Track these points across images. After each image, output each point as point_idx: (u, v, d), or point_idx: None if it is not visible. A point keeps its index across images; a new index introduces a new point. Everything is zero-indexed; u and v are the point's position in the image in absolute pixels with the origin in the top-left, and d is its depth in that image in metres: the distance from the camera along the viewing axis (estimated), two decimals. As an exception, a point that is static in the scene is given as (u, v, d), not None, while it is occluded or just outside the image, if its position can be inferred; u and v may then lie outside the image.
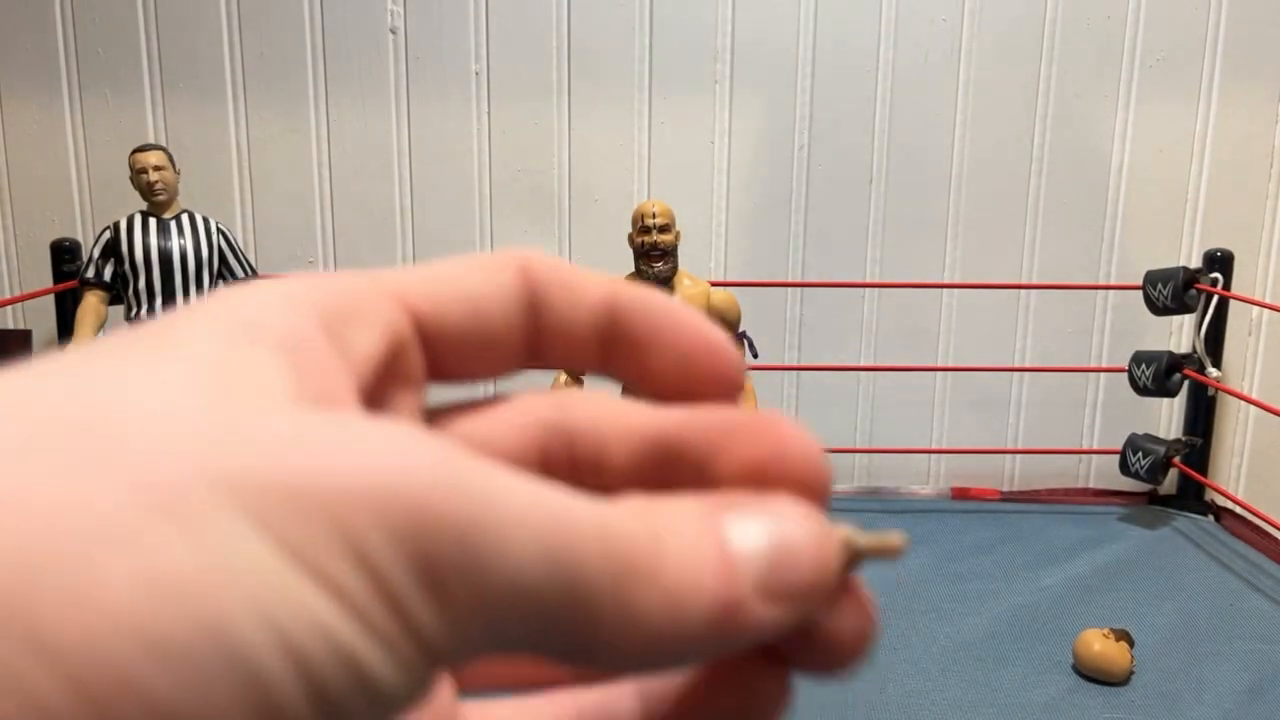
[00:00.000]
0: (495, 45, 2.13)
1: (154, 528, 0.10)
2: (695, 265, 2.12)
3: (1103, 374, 2.26)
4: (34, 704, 0.10)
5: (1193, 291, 1.99)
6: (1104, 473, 2.30)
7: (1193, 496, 2.17)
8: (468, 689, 0.18)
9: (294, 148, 2.17)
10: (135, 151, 1.78)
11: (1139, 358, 2.11)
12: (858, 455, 2.31)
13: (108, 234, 1.78)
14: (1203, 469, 2.14)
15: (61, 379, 0.12)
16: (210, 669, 0.10)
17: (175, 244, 1.78)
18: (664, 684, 0.18)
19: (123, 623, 0.10)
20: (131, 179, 1.78)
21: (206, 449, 0.11)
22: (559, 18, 2.12)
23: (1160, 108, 2.15)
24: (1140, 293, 2.09)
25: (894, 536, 0.16)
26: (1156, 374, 2.06)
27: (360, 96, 2.15)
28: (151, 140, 2.11)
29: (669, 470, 0.17)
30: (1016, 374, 2.27)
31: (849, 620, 0.17)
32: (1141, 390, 2.10)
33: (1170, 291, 2.00)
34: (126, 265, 1.77)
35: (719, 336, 0.18)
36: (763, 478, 0.17)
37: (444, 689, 0.18)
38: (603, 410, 0.18)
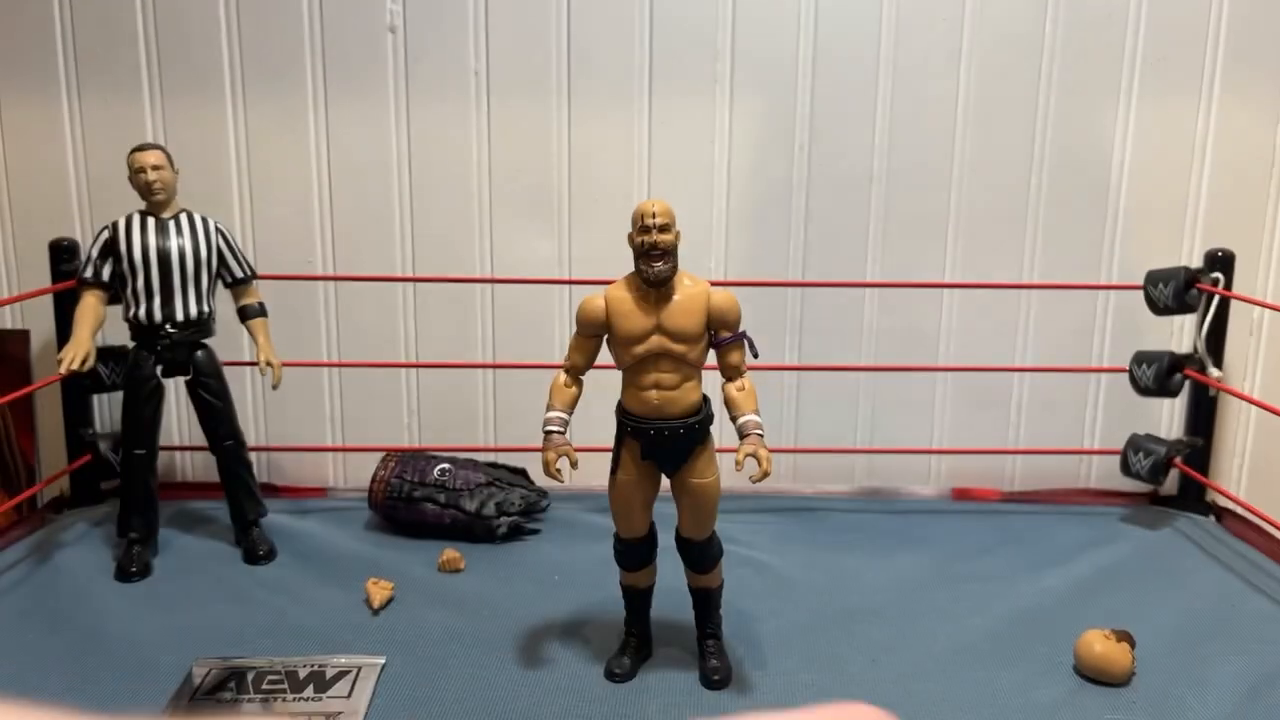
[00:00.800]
0: (495, 45, 2.13)
1: None
2: (695, 265, 2.11)
3: (1104, 374, 2.26)
4: None
5: (1194, 291, 1.99)
6: (1105, 473, 2.29)
7: (1194, 497, 2.17)
8: None
9: (293, 148, 2.16)
10: (134, 151, 1.77)
11: (1140, 358, 2.10)
12: (858, 455, 2.31)
13: (106, 233, 1.78)
14: (1204, 469, 2.13)
15: None
16: None
17: (174, 244, 1.78)
18: None
19: None
20: (130, 179, 1.78)
21: None
22: (559, 18, 2.12)
23: (1161, 107, 2.15)
24: (1141, 293, 2.08)
25: None
26: (1157, 374, 2.05)
27: (360, 96, 2.15)
28: (150, 139, 2.11)
29: None
30: (1017, 374, 2.26)
31: None
32: (1142, 390, 2.10)
33: (1171, 291, 2.00)
34: (125, 265, 1.76)
35: None
36: None
37: None
38: None
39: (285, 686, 1.39)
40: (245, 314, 1.89)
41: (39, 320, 2.17)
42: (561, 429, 1.38)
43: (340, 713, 1.33)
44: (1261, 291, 2.20)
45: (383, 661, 1.46)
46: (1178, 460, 2.09)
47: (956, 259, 2.22)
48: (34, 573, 1.77)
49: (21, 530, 1.96)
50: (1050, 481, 2.31)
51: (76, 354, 1.69)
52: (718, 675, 1.43)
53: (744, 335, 1.38)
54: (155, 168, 1.76)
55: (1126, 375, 2.13)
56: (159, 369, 1.80)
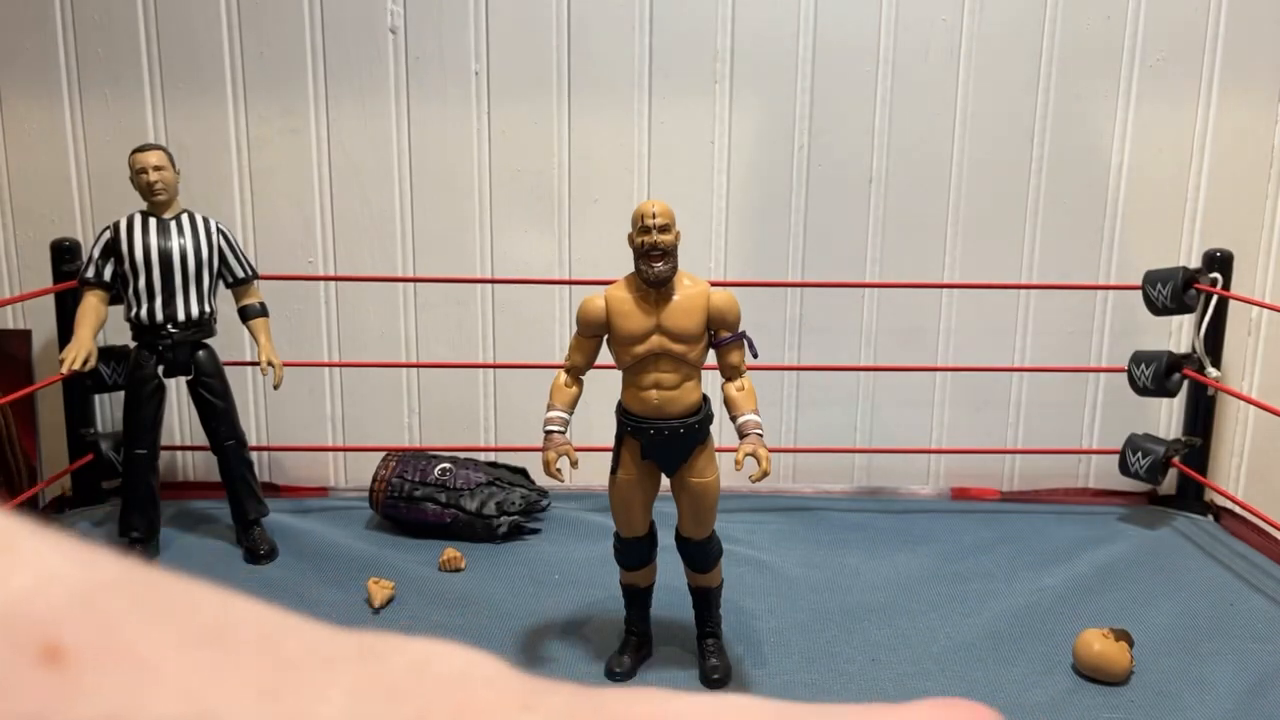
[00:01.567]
0: (495, 45, 2.13)
1: None
2: (695, 265, 2.12)
3: (1103, 374, 2.26)
4: None
5: (1192, 291, 1.99)
6: (1104, 473, 2.30)
7: (1192, 496, 2.17)
8: None
9: (294, 148, 2.17)
10: (135, 151, 1.78)
11: (1139, 358, 2.11)
12: (857, 455, 2.31)
13: (107, 234, 1.78)
14: (1202, 469, 2.14)
15: None
16: None
17: (175, 244, 1.78)
18: None
19: None
20: (131, 179, 1.78)
21: None
22: (559, 18, 2.12)
23: (1160, 108, 2.15)
24: (1140, 293, 2.09)
25: None
26: (1156, 374, 2.06)
27: (360, 96, 2.15)
28: (151, 140, 2.11)
29: None
30: (1016, 374, 2.27)
31: None
32: (1141, 390, 2.10)
33: (1170, 291, 2.00)
34: (126, 265, 1.77)
35: None
36: None
37: None
38: None
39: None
40: (246, 314, 1.89)
41: (41, 320, 2.18)
42: (562, 429, 1.38)
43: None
44: (1260, 292, 2.20)
45: (384, 660, 1.46)
46: (1176, 460, 2.10)
47: (955, 259, 2.22)
48: (36, 572, 1.77)
49: (23, 529, 1.95)
50: (1049, 481, 2.32)
51: (78, 354, 1.69)
52: (717, 674, 1.43)
53: (744, 335, 1.39)
54: (157, 168, 1.76)
55: (1125, 375, 2.13)
56: (160, 369, 1.80)
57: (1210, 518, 2.13)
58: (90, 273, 1.78)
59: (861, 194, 2.19)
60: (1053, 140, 2.17)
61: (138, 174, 1.76)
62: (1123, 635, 1.48)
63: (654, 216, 1.32)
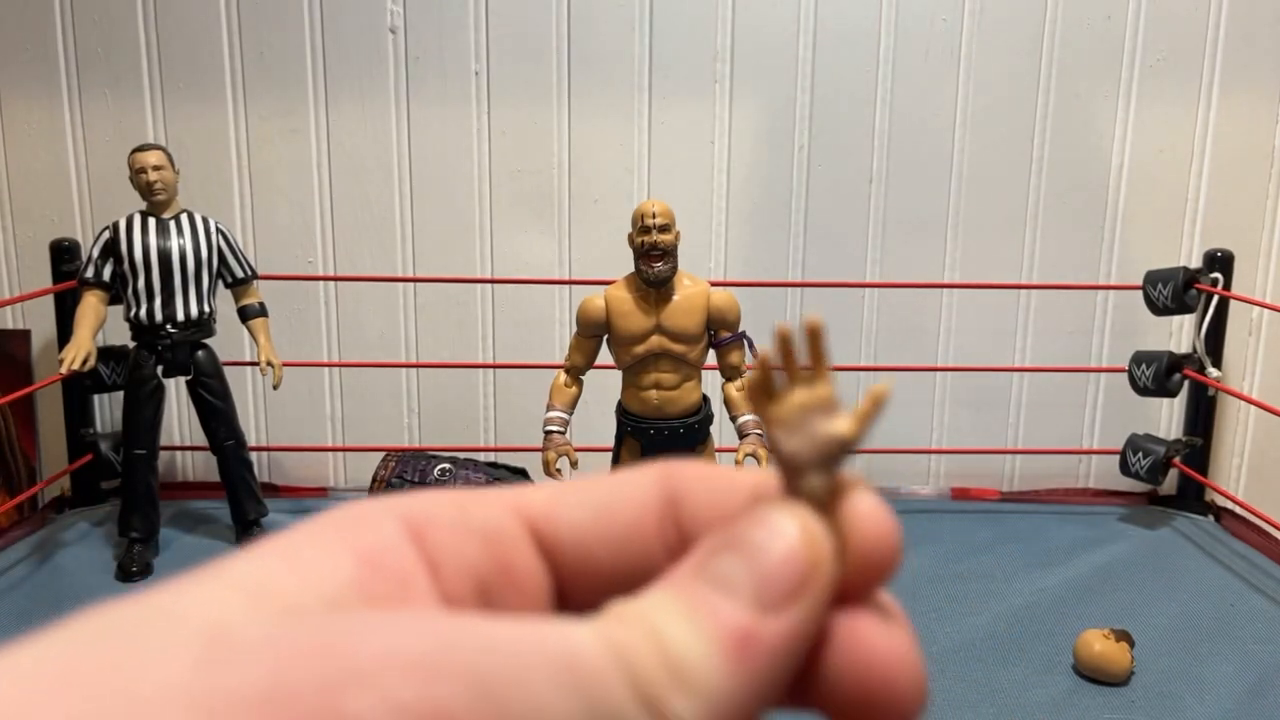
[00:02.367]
0: (495, 45, 2.13)
1: None
2: (695, 265, 2.12)
3: (1103, 374, 2.26)
4: None
5: (1193, 292, 1.99)
6: (1104, 473, 2.30)
7: (1193, 497, 2.17)
8: None
9: (294, 148, 2.17)
10: (134, 151, 1.78)
11: (1139, 358, 2.11)
12: (857, 455, 2.31)
13: (107, 234, 1.78)
14: (1203, 469, 2.14)
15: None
16: None
17: (174, 244, 1.78)
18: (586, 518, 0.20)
19: None
20: (131, 179, 1.78)
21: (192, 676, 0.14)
22: (559, 18, 2.12)
23: (1160, 108, 2.15)
24: (1140, 293, 2.09)
25: (876, 393, 0.19)
26: (1156, 374, 2.05)
27: (360, 96, 2.15)
28: (151, 140, 2.11)
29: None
30: (1016, 374, 2.27)
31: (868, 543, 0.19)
32: (1141, 390, 2.10)
33: (1170, 292, 2.00)
34: (125, 265, 1.76)
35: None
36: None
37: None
38: (703, 474, 0.21)
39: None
40: (246, 314, 1.89)
41: (40, 320, 2.17)
42: (562, 429, 1.38)
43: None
44: (1260, 292, 2.20)
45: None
46: (1176, 460, 2.10)
47: (955, 259, 2.22)
48: (35, 573, 1.78)
49: (22, 530, 1.96)
50: (1049, 481, 2.32)
51: (77, 354, 1.69)
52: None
53: (744, 335, 1.39)
54: (156, 168, 1.76)
55: (1125, 375, 2.13)
56: (160, 369, 1.80)
57: (1211, 518, 2.13)
58: (89, 273, 1.78)
59: (862, 194, 2.19)
60: (1053, 140, 2.17)
61: (137, 174, 1.76)
62: (1123, 635, 1.48)
63: (654, 216, 1.32)
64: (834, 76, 2.15)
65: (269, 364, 1.83)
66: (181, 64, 2.13)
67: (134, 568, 1.77)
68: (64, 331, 2.00)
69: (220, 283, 1.86)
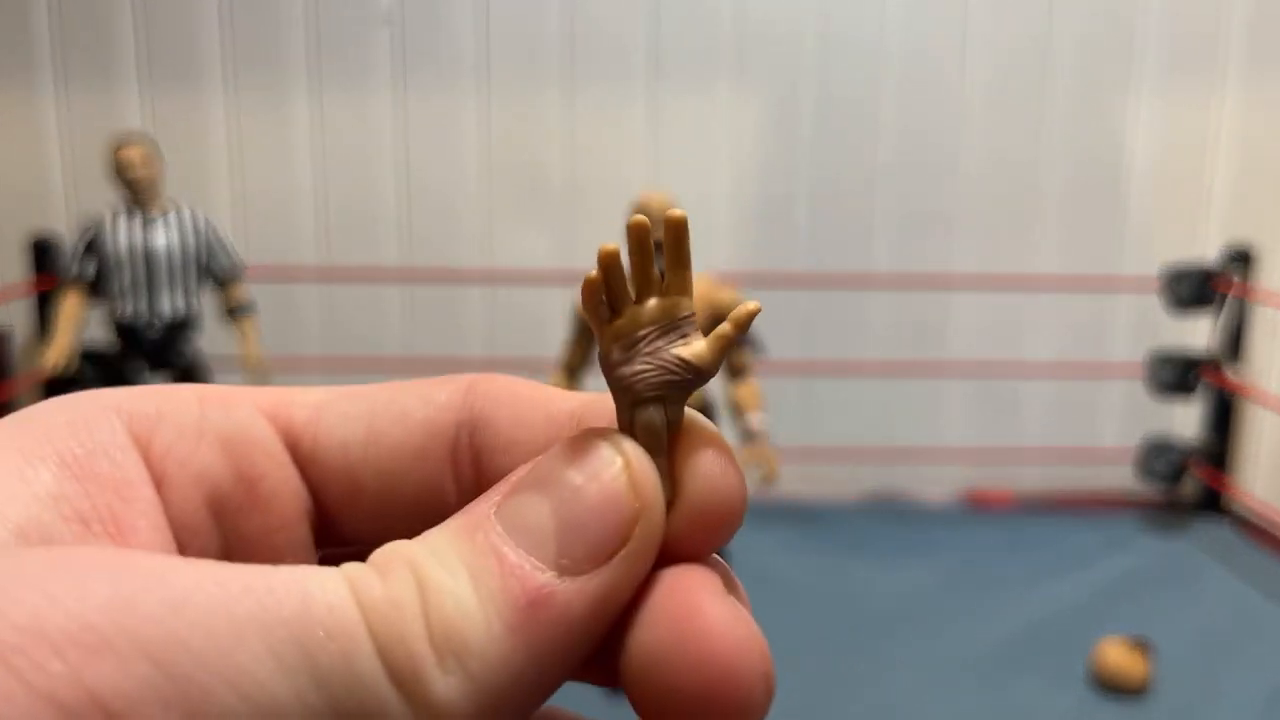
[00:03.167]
0: (495, 37, 2.09)
1: None
2: (698, 259, 2.07)
3: (1119, 374, 2.22)
4: None
5: (1211, 289, 1.95)
6: (1120, 476, 2.25)
7: (1211, 501, 2.13)
8: None
9: (285, 141, 2.13)
10: (118, 149, 1.74)
11: (1157, 357, 2.07)
12: (867, 459, 2.27)
13: (90, 230, 1.75)
14: (1222, 472, 2.09)
15: None
16: None
17: (160, 239, 1.74)
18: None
19: None
20: (114, 174, 1.74)
21: None
22: (560, 8, 2.08)
23: (1177, 101, 2.11)
24: (1158, 290, 2.05)
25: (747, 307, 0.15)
26: (1175, 374, 2.02)
27: (354, 89, 2.11)
28: (135, 131, 2.06)
29: None
30: (1031, 375, 2.23)
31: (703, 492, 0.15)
32: (1159, 390, 2.06)
33: (1188, 289, 1.96)
34: (110, 262, 1.73)
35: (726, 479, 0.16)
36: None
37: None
38: (516, 393, 0.17)
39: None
40: (232, 310, 1.85)
41: (20, 318, 2.12)
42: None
43: None
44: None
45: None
46: (1195, 463, 2.05)
47: (966, 255, 2.18)
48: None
49: (4, 534, 1.91)
50: (1064, 484, 2.27)
51: (60, 353, 1.67)
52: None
53: (749, 334, 1.34)
54: (139, 164, 1.72)
55: (1142, 375, 2.09)
56: (145, 366, 1.77)
57: (1230, 523, 2.08)
58: (73, 270, 1.75)
59: (869, 187, 2.15)
60: (1067, 134, 2.13)
61: (121, 170, 1.72)
62: (1141, 645, 1.44)
63: (655, 209, 1.29)
64: (841, 69, 2.10)
65: (254, 361, 1.80)
66: (168, 54, 2.09)
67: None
68: (45, 328, 1.95)
69: (208, 278, 1.82)
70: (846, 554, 1.91)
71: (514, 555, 0.14)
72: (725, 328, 0.15)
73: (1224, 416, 2.09)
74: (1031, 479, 2.28)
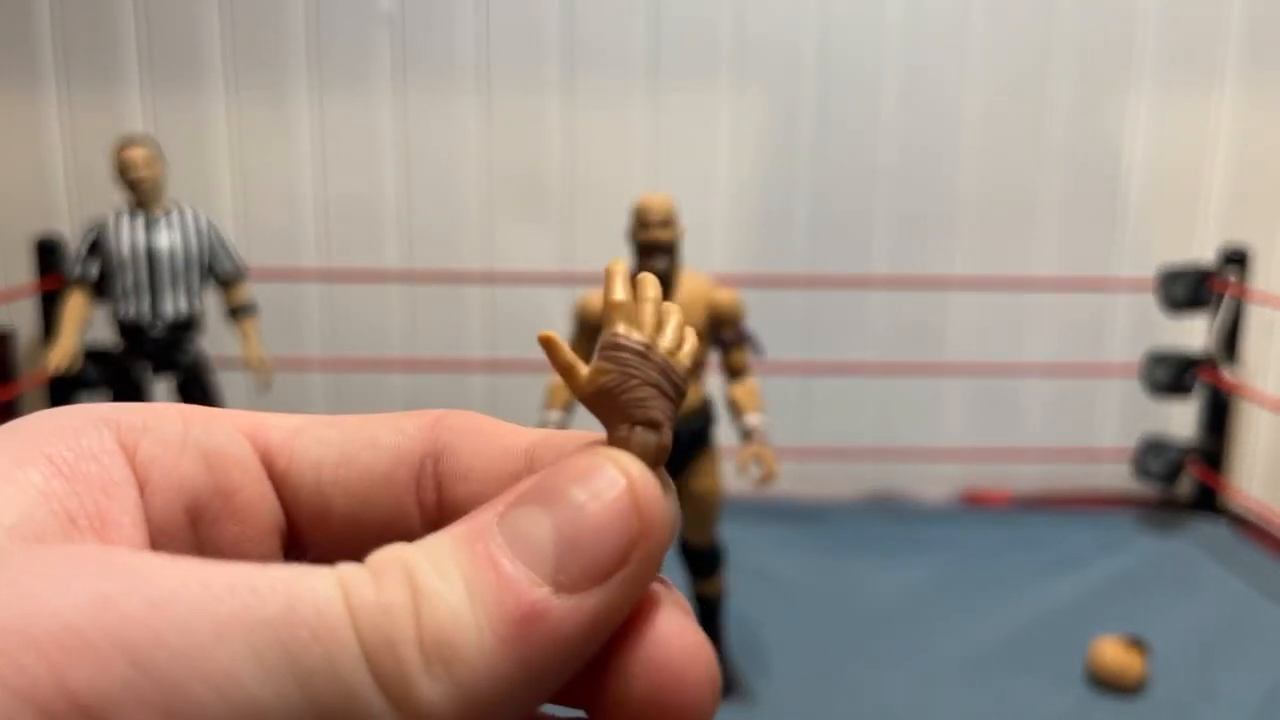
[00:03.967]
0: (494, 38, 2.10)
1: None
2: (698, 261, 2.07)
3: (1116, 374, 2.22)
4: None
5: (1208, 290, 1.96)
6: (1117, 475, 2.26)
7: (1208, 500, 2.13)
8: None
9: (285, 141, 2.13)
10: (121, 150, 1.74)
11: (1153, 357, 2.07)
12: (866, 458, 2.27)
13: (94, 231, 1.75)
14: (1218, 472, 2.10)
15: None
16: None
17: (163, 240, 1.74)
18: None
19: None
20: (117, 175, 1.74)
21: None
22: (560, 9, 2.09)
23: (1175, 101, 2.12)
24: (1154, 289, 2.05)
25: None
26: (1171, 374, 2.02)
27: (354, 90, 2.11)
28: (138, 132, 2.07)
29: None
30: (1028, 374, 2.23)
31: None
32: (1156, 390, 2.06)
33: (1185, 289, 1.97)
34: (114, 263, 1.73)
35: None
36: None
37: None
38: (478, 427, 0.18)
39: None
40: (235, 311, 1.86)
41: (24, 319, 2.13)
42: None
43: None
44: (1277, 289, 2.16)
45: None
46: (1192, 463, 2.06)
47: (965, 256, 2.19)
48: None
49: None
50: (1062, 483, 2.28)
51: (64, 354, 1.67)
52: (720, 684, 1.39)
53: (748, 334, 1.35)
54: (142, 165, 1.72)
55: (1139, 375, 2.10)
56: (148, 366, 1.77)
57: (1226, 522, 2.09)
58: (76, 271, 1.75)
59: (869, 189, 2.15)
60: (1065, 134, 2.14)
61: (123, 171, 1.73)
62: (1137, 643, 1.45)
63: (655, 212, 1.29)
64: (840, 70, 2.11)
65: (258, 363, 1.80)
66: (170, 56, 2.10)
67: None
68: (49, 330, 1.96)
69: (211, 279, 1.83)
70: (844, 552, 1.91)
71: (511, 568, 0.14)
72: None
73: (1220, 416, 2.10)
74: (1029, 478, 2.29)
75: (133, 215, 1.75)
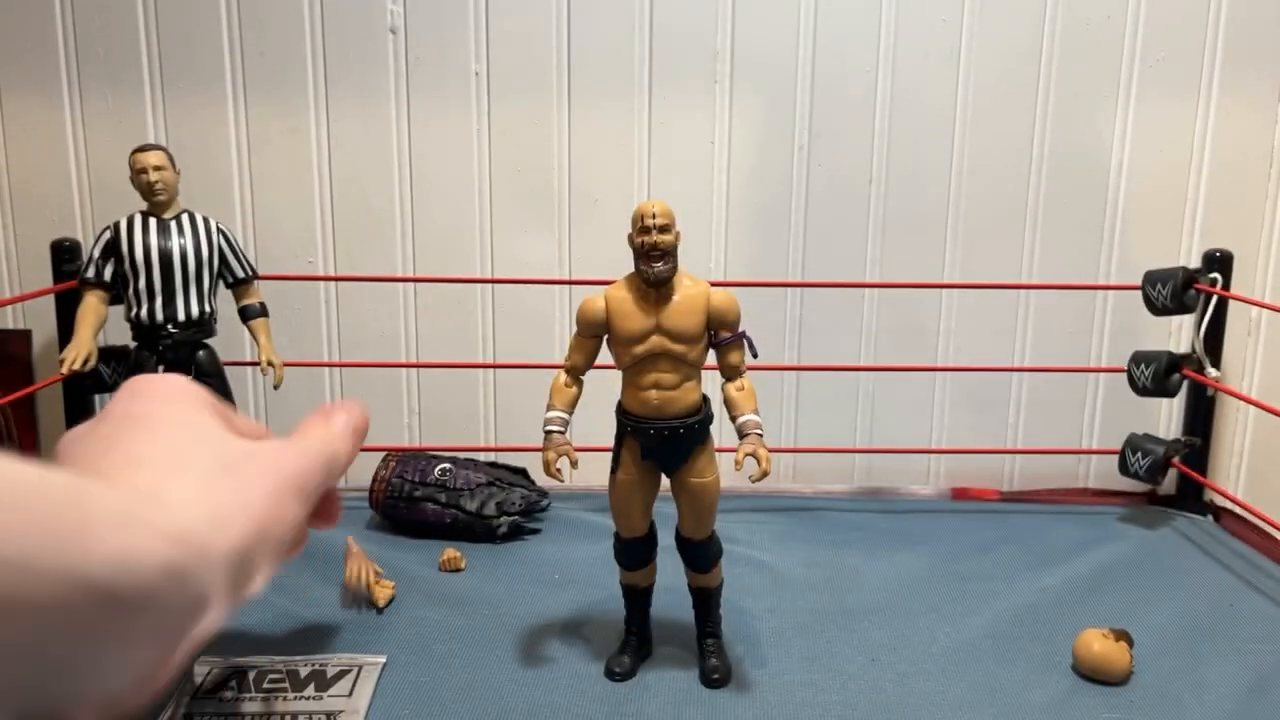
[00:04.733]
0: (495, 45, 2.13)
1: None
2: (695, 265, 2.12)
3: (1102, 374, 2.26)
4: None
5: (1192, 292, 1.99)
6: (1103, 473, 2.30)
7: (1192, 496, 2.17)
8: None
9: (294, 148, 2.17)
10: (135, 152, 1.78)
11: (1138, 358, 2.11)
12: (857, 455, 2.31)
13: (108, 234, 1.78)
14: (1202, 469, 2.14)
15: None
16: None
17: (175, 244, 1.78)
18: None
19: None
20: (131, 179, 1.78)
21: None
22: (559, 18, 2.13)
23: (1160, 108, 2.16)
24: (1139, 293, 2.09)
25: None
26: (1156, 374, 2.06)
27: (360, 96, 2.15)
28: (152, 140, 2.11)
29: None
30: (1016, 374, 2.27)
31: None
32: (1141, 390, 2.10)
33: (1169, 292, 2.00)
34: (126, 265, 1.77)
35: None
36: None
37: None
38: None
39: (286, 685, 1.39)
40: (246, 314, 1.89)
41: (41, 320, 2.18)
42: (562, 429, 1.38)
43: (341, 711, 1.33)
44: (1260, 292, 2.20)
45: (384, 660, 1.47)
46: (1176, 460, 2.10)
47: (955, 259, 2.22)
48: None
49: (23, 529, 1.95)
50: (1049, 481, 2.32)
51: (78, 354, 1.70)
52: (717, 674, 1.43)
53: (744, 335, 1.39)
54: (157, 168, 1.76)
55: (1125, 375, 2.13)
56: (161, 369, 1.80)
57: (1210, 518, 2.13)
58: (90, 273, 1.78)
59: (862, 194, 2.19)
60: (1053, 140, 2.17)
61: (138, 174, 1.76)
62: (1122, 635, 1.48)
63: (654, 216, 1.32)
64: (834, 76, 2.15)
65: (270, 364, 1.83)
66: (182, 64, 2.14)
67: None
68: (65, 331, 2.00)
69: (221, 283, 1.86)
70: (837, 546, 1.94)
71: (338, 428, 0.45)
72: None
73: (1204, 414, 2.14)
74: (1017, 475, 2.32)
75: (145, 218, 1.79)
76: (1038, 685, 1.44)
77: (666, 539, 1.47)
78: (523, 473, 2.13)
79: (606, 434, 1.45)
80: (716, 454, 1.42)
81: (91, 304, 1.77)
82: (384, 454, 2.08)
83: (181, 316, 1.78)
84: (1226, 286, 2.05)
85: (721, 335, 1.37)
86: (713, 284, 1.39)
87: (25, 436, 2.21)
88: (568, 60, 2.14)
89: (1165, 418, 2.28)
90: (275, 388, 1.84)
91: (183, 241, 1.78)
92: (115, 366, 2.03)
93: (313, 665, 1.44)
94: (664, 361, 1.35)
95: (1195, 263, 2.13)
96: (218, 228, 1.84)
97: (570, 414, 1.40)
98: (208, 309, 1.82)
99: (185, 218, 1.81)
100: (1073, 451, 2.31)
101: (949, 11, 2.12)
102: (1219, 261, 2.06)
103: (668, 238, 1.33)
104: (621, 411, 1.39)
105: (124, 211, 1.81)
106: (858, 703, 1.38)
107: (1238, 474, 2.27)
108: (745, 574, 1.78)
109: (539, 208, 2.20)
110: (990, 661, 1.50)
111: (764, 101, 2.16)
